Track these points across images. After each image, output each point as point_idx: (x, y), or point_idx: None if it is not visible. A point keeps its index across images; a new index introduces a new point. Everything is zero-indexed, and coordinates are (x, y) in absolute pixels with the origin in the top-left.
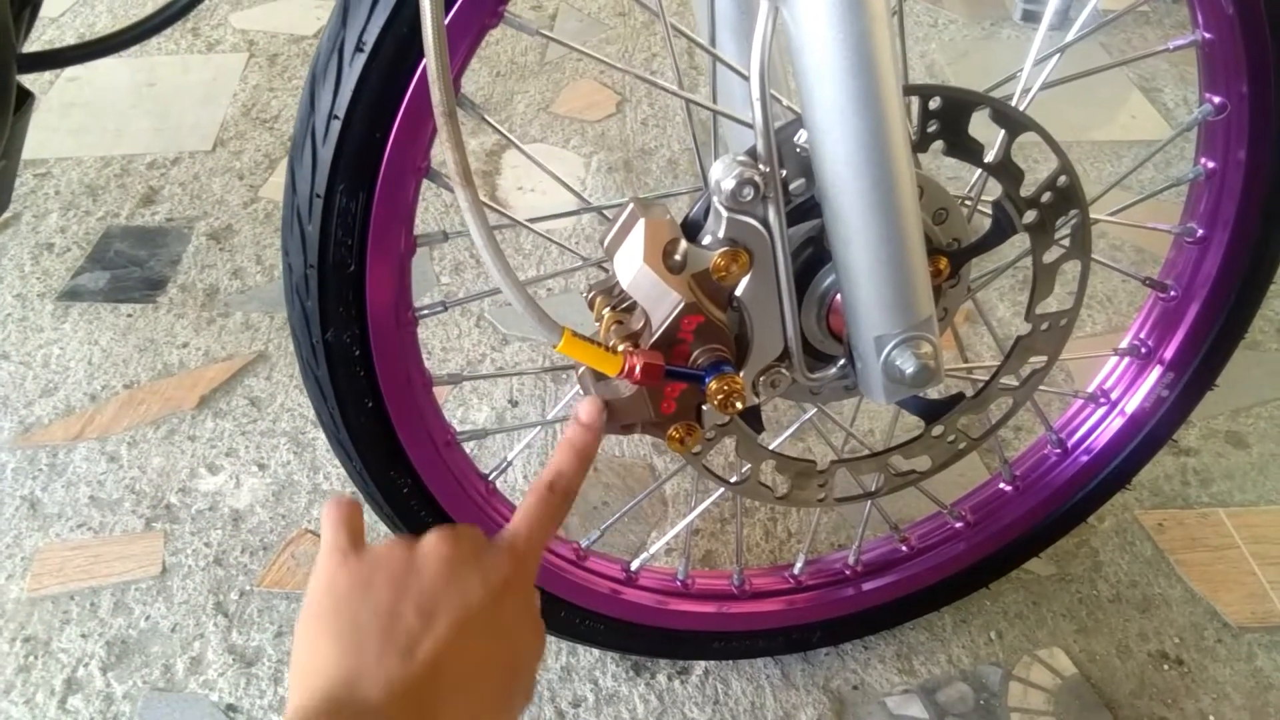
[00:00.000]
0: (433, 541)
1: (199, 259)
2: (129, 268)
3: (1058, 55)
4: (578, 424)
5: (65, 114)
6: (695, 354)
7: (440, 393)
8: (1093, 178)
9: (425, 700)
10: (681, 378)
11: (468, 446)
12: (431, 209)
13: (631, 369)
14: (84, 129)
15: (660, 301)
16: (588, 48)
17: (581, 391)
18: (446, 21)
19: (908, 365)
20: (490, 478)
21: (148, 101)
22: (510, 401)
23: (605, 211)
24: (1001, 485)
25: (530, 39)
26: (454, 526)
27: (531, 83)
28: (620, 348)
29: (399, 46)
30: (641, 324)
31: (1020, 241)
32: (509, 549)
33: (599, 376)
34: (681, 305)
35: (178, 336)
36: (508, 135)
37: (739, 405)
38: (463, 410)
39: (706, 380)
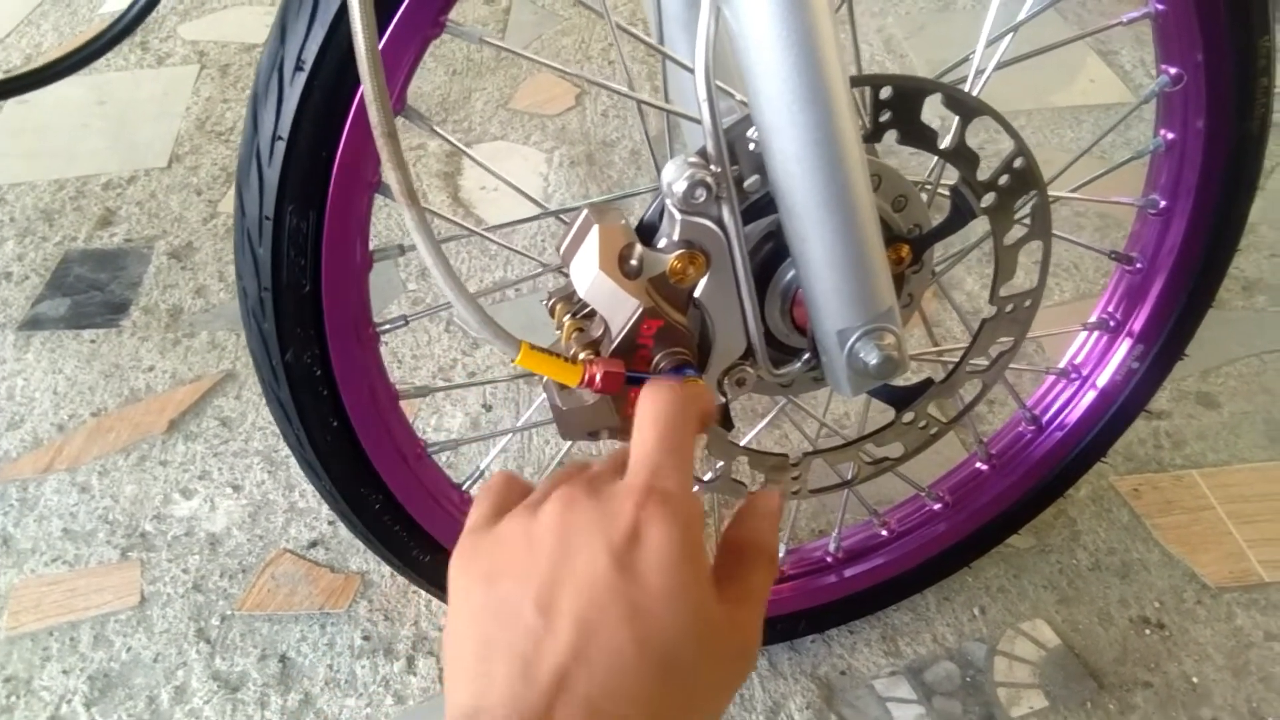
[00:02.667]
0: (549, 505)
1: (160, 279)
2: (90, 292)
3: (1010, 34)
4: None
5: (16, 138)
6: (657, 358)
7: (413, 401)
8: (1054, 144)
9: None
10: (644, 383)
11: (441, 457)
12: (390, 215)
13: (592, 378)
14: (36, 152)
15: (618, 308)
16: (543, 40)
17: (547, 398)
18: (386, 37)
19: (872, 357)
20: (465, 487)
21: (99, 120)
22: (484, 406)
23: (563, 215)
24: (978, 464)
25: (486, 32)
26: (579, 471)
27: (489, 79)
28: (581, 356)
29: (340, 62)
30: (601, 331)
31: (983, 223)
32: (628, 484)
33: (563, 385)
34: (640, 311)
35: (143, 360)
36: (460, 146)
37: None
38: (436, 418)
39: None
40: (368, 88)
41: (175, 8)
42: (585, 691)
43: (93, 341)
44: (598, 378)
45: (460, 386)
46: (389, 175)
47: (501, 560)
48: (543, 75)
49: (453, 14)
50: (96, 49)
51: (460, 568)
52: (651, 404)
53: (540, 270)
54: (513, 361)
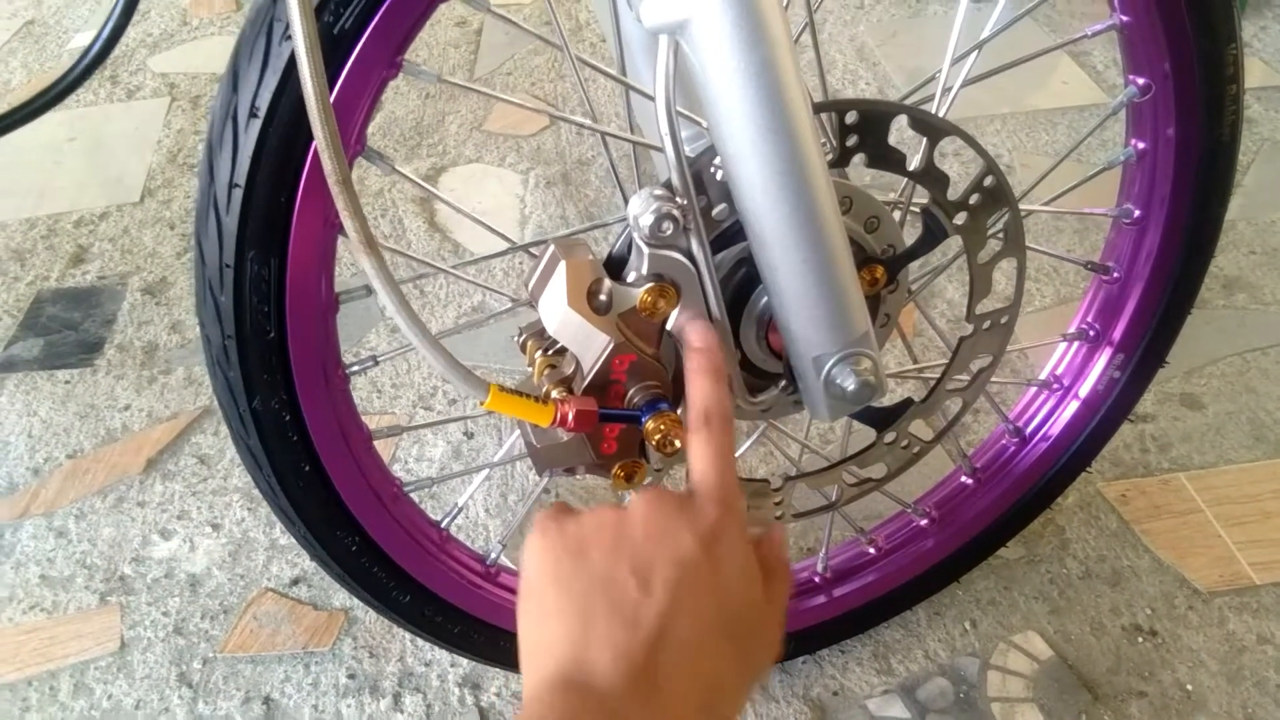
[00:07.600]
0: (637, 503)
1: (135, 316)
2: (63, 332)
3: (976, 52)
4: (696, 351)
5: None
6: (631, 393)
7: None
8: (1029, 148)
9: (655, 667)
10: (617, 420)
11: (418, 494)
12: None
13: (564, 417)
14: (5, 192)
15: (589, 344)
16: (515, 60)
17: (521, 436)
18: (340, 82)
19: (848, 383)
20: (444, 525)
21: (69, 157)
22: (466, 434)
23: (531, 250)
24: (963, 479)
25: (459, 54)
26: (656, 486)
27: (462, 101)
28: (554, 394)
29: (296, 107)
30: (573, 368)
31: (959, 239)
32: (708, 495)
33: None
34: (611, 347)
35: (119, 399)
36: (423, 185)
37: (678, 444)
38: (418, 448)
39: (643, 420)
40: (320, 137)
41: (145, 40)
42: (679, 640)
43: (67, 382)
44: (570, 417)
45: (431, 425)
46: (346, 223)
47: (590, 536)
48: (516, 96)
49: (409, 53)
50: (66, 85)
51: (544, 541)
52: (700, 409)
53: (510, 305)
54: (481, 405)
